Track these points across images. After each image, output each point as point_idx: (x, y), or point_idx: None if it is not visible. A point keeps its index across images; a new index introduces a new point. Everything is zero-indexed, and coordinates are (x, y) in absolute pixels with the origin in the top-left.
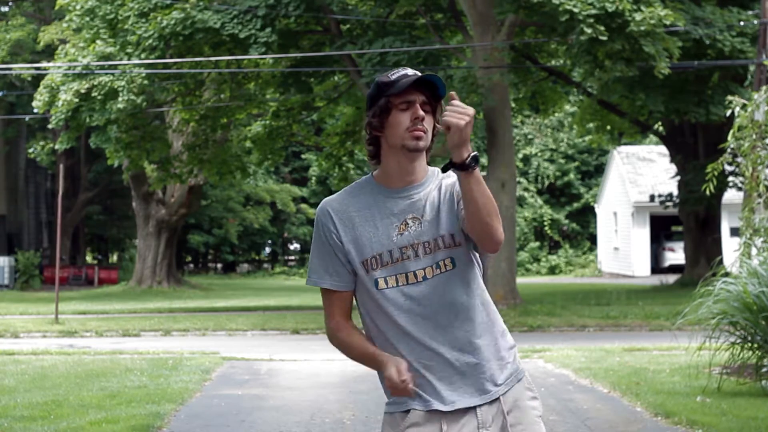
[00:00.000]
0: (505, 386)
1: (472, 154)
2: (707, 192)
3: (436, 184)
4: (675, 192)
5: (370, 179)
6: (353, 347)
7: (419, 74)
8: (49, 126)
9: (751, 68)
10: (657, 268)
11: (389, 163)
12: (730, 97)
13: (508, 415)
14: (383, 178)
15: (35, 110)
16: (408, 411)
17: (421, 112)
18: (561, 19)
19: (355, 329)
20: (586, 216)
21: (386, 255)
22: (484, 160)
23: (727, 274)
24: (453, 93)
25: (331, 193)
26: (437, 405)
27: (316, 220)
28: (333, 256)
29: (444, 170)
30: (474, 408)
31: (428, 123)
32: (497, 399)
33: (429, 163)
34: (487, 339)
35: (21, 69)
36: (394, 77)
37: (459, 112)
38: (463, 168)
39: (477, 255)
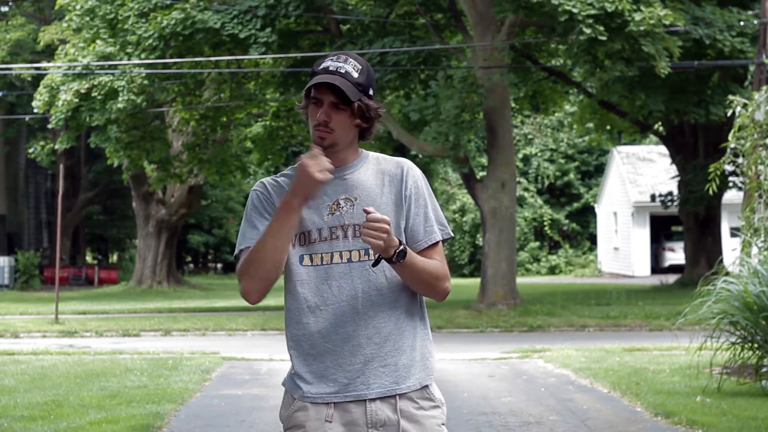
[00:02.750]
0: (405, 389)
1: (398, 250)
2: (709, 192)
3: (375, 169)
4: (675, 192)
5: None
6: (260, 239)
7: (343, 72)
8: (49, 126)
9: (751, 68)
10: (657, 268)
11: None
12: (731, 97)
13: (401, 419)
14: None
15: (35, 110)
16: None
17: (323, 117)
18: (560, 19)
19: None
20: (586, 216)
21: (315, 233)
22: (483, 160)
23: (727, 274)
24: (366, 209)
25: None
26: (327, 396)
27: (251, 195)
28: (266, 220)
29: (374, 265)
30: (364, 402)
31: (339, 121)
32: (394, 402)
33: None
34: (403, 338)
35: (21, 69)
36: (319, 68)
37: (374, 230)
38: (389, 261)
39: None
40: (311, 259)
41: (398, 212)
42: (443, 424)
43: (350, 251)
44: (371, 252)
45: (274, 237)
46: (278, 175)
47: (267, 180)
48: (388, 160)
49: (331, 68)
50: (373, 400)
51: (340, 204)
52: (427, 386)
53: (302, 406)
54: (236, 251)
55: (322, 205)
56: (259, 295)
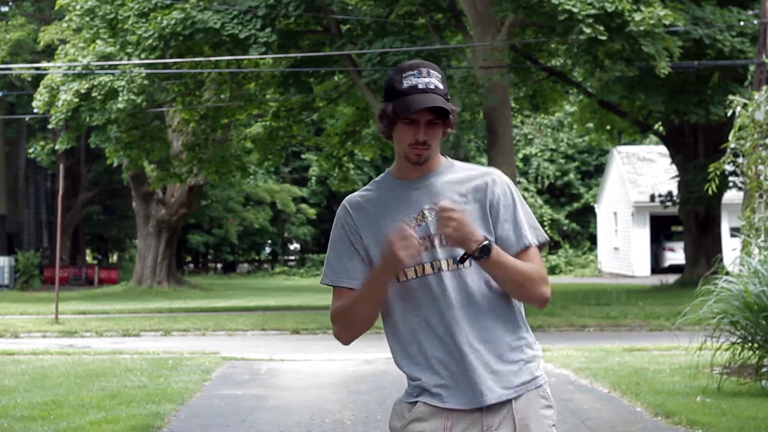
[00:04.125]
0: (517, 391)
1: (482, 245)
2: (709, 192)
3: (460, 177)
4: (675, 192)
5: (387, 174)
6: (350, 300)
7: (432, 87)
8: (49, 126)
9: (751, 68)
10: (657, 268)
11: (400, 158)
12: (731, 97)
13: (517, 422)
14: (397, 171)
15: (35, 110)
16: (415, 403)
17: (423, 136)
18: (560, 19)
19: None
20: (586, 216)
21: None
22: (483, 160)
23: (727, 273)
24: (438, 200)
25: (331, 193)
26: (444, 402)
27: (336, 217)
28: (353, 252)
29: (461, 262)
30: (481, 409)
31: (434, 136)
32: (508, 403)
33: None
34: (504, 340)
35: (21, 69)
36: (404, 86)
37: (445, 218)
38: (474, 258)
39: None
40: (405, 274)
41: (485, 223)
42: (554, 425)
43: (439, 260)
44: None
45: (365, 305)
46: (363, 189)
47: (350, 201)
48: (475, 170)
49: (420, 86)
50: (489, 408)
51: (424, 214)
52: (539, 387)
53: (419, 416)
54: (322, 279)
55: (408, 217)
56: (350, 340)
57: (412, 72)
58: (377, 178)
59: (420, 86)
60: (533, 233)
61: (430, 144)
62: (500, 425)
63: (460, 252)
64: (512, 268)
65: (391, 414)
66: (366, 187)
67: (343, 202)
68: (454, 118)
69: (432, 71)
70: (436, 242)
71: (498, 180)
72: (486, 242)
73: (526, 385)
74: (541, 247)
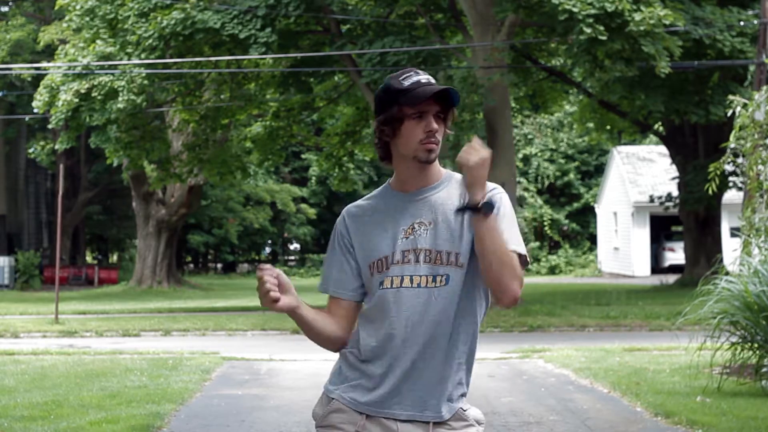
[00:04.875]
0: (437, 418)
1: (486, 200)
2: (709, 192)
3: (456, 191)
4: (675, 192)
5: (387, 186)
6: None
7: (433, 83)
8: (49, 126)
9: (751, 68)
10: (657, 268)
11: (400, 169)
12: (731, 97)
13: None
14: (396, 183)
15: (35, 110)
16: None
17: (435, 125)
18: (560, 19)
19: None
20: (586, 216)
21: (390, 257)
22: None
23: (727, 273)
24: (475, 137)
25: (331, 193)
26: (360, 405)
27: (334, 227)
28: (343, 262)
29: (458, 211)
30: (396, 422)
31: (440, 132)
32: (426, 424)
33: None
34: (450, 370)
35: (21, 69)
36: (407, 84)
37: (471, 149)
38: (476, 210)
39: (483, 287)
40: (383, 283)
41: (469, 227)
42: None
43: (420, 276)
44: (439, 279)
45: (306, 332)
46: (363, 199)
47: (348, 211)
48: None
49: (423, 80)
50: (405, 422)
51: (414, 228)
52: (460, 414)
53: (339, 408)
54: (318, 286)
55: (399, 229)
56: (332, 348)
57: (409, 73)
58: (378, 189)
59: (423, 80)
60: (519, 245)
61: (439, 139)
62: None
63: (439, 271)
64: (502, 241)
65: (318, 400)
66: (367, 196)
67: (343, 211)
68: (454, 115)
69: (426, 73)
70: (421, 257)
71: (499, 193)
72: (491, 201)
73: (447, 415)
74: (522, 263)
